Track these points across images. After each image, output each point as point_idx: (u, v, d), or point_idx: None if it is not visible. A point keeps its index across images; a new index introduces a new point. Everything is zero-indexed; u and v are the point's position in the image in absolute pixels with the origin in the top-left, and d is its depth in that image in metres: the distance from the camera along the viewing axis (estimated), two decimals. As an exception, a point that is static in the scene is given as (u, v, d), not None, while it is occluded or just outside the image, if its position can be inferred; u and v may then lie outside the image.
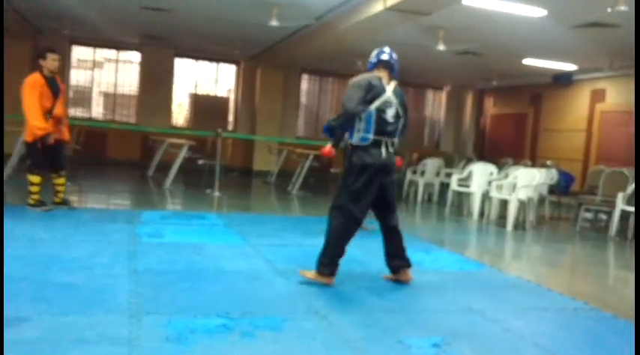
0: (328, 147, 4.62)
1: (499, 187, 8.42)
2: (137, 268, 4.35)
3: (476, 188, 8.78)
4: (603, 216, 8.82)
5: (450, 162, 11.78)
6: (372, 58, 4.47)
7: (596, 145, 12.47)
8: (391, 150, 4.34)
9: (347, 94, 4.24)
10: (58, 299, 3.47)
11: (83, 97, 14.00)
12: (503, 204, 8.46)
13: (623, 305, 4.55)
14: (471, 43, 9.76)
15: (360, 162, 4.23)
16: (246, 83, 14.68)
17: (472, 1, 7.08)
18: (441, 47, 9.10)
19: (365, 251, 5.64)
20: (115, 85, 14.06)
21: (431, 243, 6.46)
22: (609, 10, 6.51)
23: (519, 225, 8.04)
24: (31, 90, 6.15)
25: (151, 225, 6.14)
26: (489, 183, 8.58)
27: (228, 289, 4.01)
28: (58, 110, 6.33)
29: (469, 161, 11.27)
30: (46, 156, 6.36)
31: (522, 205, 8.06)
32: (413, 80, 15.60)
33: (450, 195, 9.32)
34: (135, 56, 14.06)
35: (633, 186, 7.68)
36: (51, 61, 6.27)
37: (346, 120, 4.25)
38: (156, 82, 13.82)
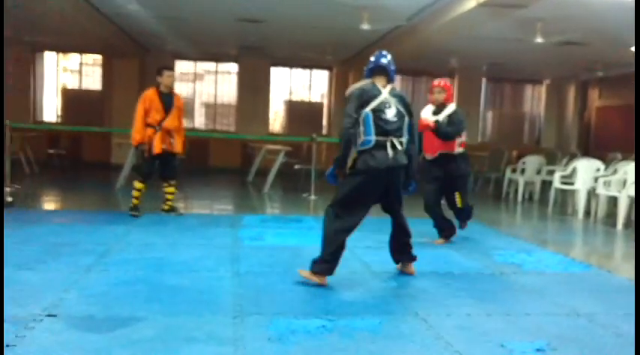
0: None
1: (607, 184, 7.97)
2: (240, 270, 4.53)
3: (581, 185, 8.36)
4: None
5: (551, 160, 11.28)
6: (369, 63, 4.39)
7: None
8: (400, 148, 4.19)
9: (345, 109, 4.20)
10: (169, 301, 3.69)
11: (186, 109, 14.69)
12: (612, 201, 8.00)
13: None
14: (571, 33, 9.31)
15: (365, 166, 4.11)
16: (338, 88, 14.82)
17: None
18: (539, 40, 8.75)
19: (462, 253, 5.56)
20: (215, 96, 14.69)
21: (532, 243, 6.23)
22: None
23: (630, 224, 7.56)
24: (140, 104, 6.65)
25: (252, 228, 6.37)
26: (596, 179, 8.14)
27: (326, 291, 4.08)
28: (167, 123, 6.70)
29: (573, 157, 10.74)
30: (153, 166, 6.78)
31: (633, 202, 7.57)
32: (509, 75, 15.10)
33: (552, 193, 8.93)
34: (233, 67, 14.64)
35: None
36: (166, 78, 6.70)
37: (347, 144, 4.15)
38: (253, 91, 14.30)
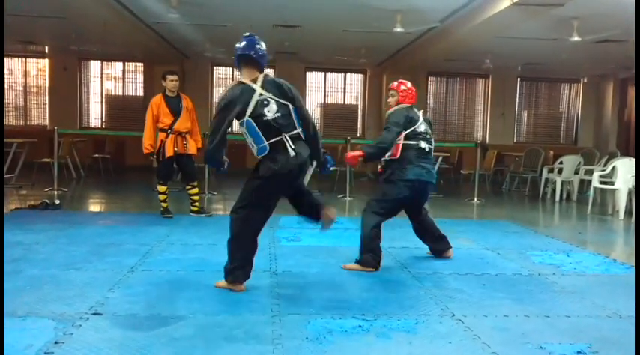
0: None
1: (648, 183, 7.80)
2: (277, 270, 4.60)
3: (621, 184, 8.19)
4: None
5: (589, 159, 11.09)
6: (235, 53, 4.03)
7: None
8: (300, 144, 3.93)
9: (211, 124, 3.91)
10: (209, 300, 3.77)
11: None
12: (655, 201, 7.82)
13: None
14: (609, 30, 9.13)
15: (269, 172, 3.86)
16: (372, 90, 14.85)
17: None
18: (576, 38, 8.61)
19: (498, 253, 5.52)
20: (252, 100, 14.88)
21: (571, 244, 6.13)
22: None
23: (673, 224, 7.39)
24: (148, 112, 6.89)
25: (289, 229, 6.44)
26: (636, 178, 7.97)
27: (363, 291, 4.11)
28: (178, 125, 6.89)
29: (612, 156, 10.53)
30: (169, 168, 7.01)
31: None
32: (544, 75, 14.87)
33: (591, 193, 8.78)
34: (269, 72, 14.76)
35: None
36: (169, 82, 6.94)
37: (213, 162, 4.04)
38: (290, 94, 14.44)
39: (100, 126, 14.64)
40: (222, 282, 4.01)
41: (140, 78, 14.59)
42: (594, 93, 15.46)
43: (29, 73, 14.47)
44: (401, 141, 4.79)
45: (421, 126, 4.90)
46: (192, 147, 7.05)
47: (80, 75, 14.46)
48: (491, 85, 15.10)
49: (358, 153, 4.89)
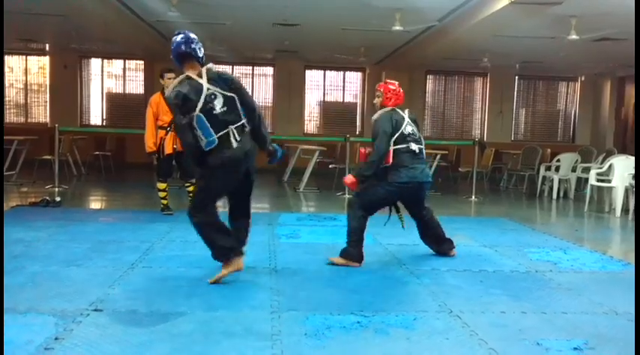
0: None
1: (645, 181, 7.83)
2: (277, 267, 4.63)
3: (618, 182, 8.23)
4: None
5: (586, 157, 11.11)
6: (172, 52, 4.13)
7: None
8: (243, 136, 4.01)
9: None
10: (209, 296, 3.81)
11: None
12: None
13: None
14: (607, 29, 9.15)
15: (218, 162, 3.95)
16: (371, 88, 14.77)
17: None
18: (574, 36, 8.63)
19: (496, 250, 5.55)
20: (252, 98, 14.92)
21: (568, 241, 6.17)
22: None
23: (670, 222, 7.42)
24: (148, 110, 6.94)
25: (288, 226, 6.48)
26: (633, 176, 8.00)
27: (361, 287, 4.14)
28: None
29: (609, 154, 10.56)
30: (169, 165, 7.00)
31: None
32: (542, 73, 14.88)
33: (588, 191, 8.81)
34: (269, 70, 14.83)
35: None
36: (167, 80, 6.92)
37: (189, 155, 4.06)
38: (288, 92, 14.48)
39: (100, 123, 14.63)
40: (224, 271, 4.06)
41: (140, 76, 14.58)
42: (592, 91, 15.49)
43: (30, 70, 14.47)
44: (391, 148, 4.76)
45: (407, 128, 4.86)
46: None
47: (81, 73, 14.44)
48: (490, 83, 15.12)
49: (352, 179, 4.93)
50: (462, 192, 10.65)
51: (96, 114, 14.72)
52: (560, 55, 11.74)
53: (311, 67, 14.76)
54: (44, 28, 11.36)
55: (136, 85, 14.67)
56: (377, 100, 5.00)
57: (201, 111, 3.89)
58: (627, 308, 3.80)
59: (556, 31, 9.05)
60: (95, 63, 14.63)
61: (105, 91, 14.72)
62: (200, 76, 3.98)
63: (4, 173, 9.07)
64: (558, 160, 10.25)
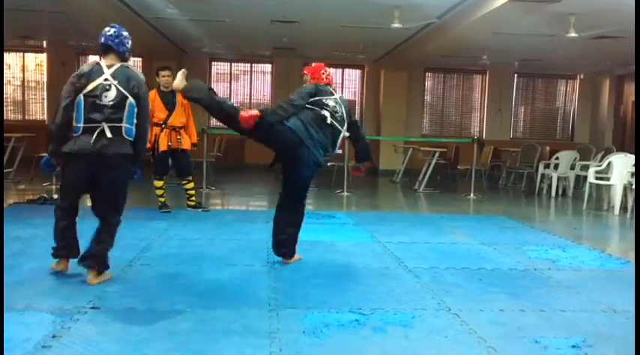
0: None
1: (644, 179, 7.83)
2: (275, 265, 4.62)
3: (616, 180, 8.23)
4: None
5: (585, 155, 11.13)
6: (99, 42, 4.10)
7: None
8: (111, 136, 3.83)
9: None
10: (207, 294, 3.80)
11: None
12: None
13: None
14: (606, 26, 9.15)
15: (67, 149, 3.87)
16: (370, 85, 14.86)
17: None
18: (573, 34, 8.62)
19: (494, 248, 5.55)
20: (250, 96, 14.90)
21: (567, 239, 6.17)
22: None
23: (669, 220, 7.43)
24: None
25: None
26: (632, 174, 8.01)
27: (359, 285, 4.14)
28: (172, 120, 6.94)
29: (608, 152, 10.57)
30: (164, 163, 7.00)
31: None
32: (541, 71, 14.90)
33: (587, 189, 8.82)
34: (267, 67, 14.83)
35: None
36: (161, 78, 7.01)
37: (58, 130, 3.92)
38: (287, 90, 14.35)
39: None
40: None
41: (138, 73, 14.58)
42: (591, 89, 15.50)
43: (27, 67, 14.43)
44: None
45: (329, 100, 4.61)
46: (186, 142, 7.07)
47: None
48: (488, 80, 15.12)
49: (255, 113, 4.35)
50: (461, 189, 10.65)
51: (94, 112, 14.71)
52: (559, 52, 11.74)
53: (310, 64, 14.72)
54: (42, 24, 11.32)
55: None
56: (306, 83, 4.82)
57: (85, 95, 3.87)
58: (626, 306, 3.80)
59: (555, 29, 9.05)
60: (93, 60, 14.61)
61: (103, 89, 14.69)
62: (110, 67, 3.97)
63: (3, 170, 9.04)
64: (557, 158, 10.25)
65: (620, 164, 8.31)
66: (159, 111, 6.90)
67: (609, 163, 8.51)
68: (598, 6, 7.84)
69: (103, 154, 3.83)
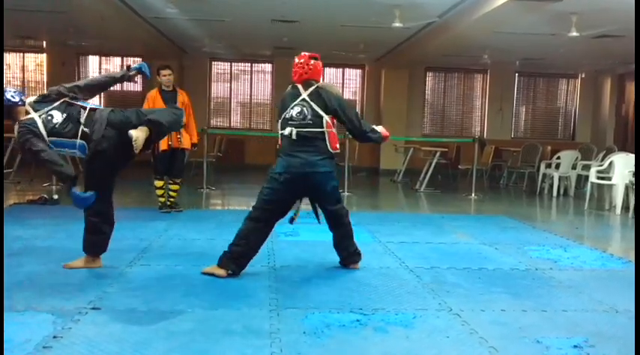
0: None
1: (646, 178, 7.82)
2: (275, 265, 4.62)
3: (618, 179, 8.21)
4: None
5: (587, 154, 11.11)
6: None
7: None
8: None
9: None
10: (208, 294, 3.79)
11: (223, 108, 14.99)
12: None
13: None
14: (608, 25, 9.13)
15: None
16: (371, 85, 14.85)
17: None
18: (574, 33, 8.61)
19: (496, 248, 5.54)
20: (251, 95, 14.90)
21: (569, 239, 6.16)
22: None
23: (671, 219, 7.41)
24: (145, 105, 6.97)
25: (287, 224, 6.42)
26: (634, 174, 7.99)
27: (360, 285, 4.13)
28: None
29: (609, 151, 10.56)
30: (164, 162, 6.98)
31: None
32: (542, 70, 14.86)
33: (588, 188, 8.80)
34: (267, 67, 14.82)
35: None
36: (162, 77, 7.02)
37: None
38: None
39: (98, 121, 14.61)
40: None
41: (139, 73, 14.57)
42: (592, 88, 15.47)
43: (27, 67, 14.42)
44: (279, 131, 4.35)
45: (293, 110, 4.32)
46: (186, 141, 7.05)
47: (78, 70, 14.39)
48: (490, 80, 15.10)
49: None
50: (462, 189, 10.64)
51: (94, 112, 14.71)
52: (560, 51, 11.72)
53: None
54: (41, 24, 11.31)
55: (134, 83, 14.62)
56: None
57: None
58: (627, 306, 3.78)
59: (556, 28, 9.03)
60: (93, 60, 14.58)
61: (102, 89, 14.68)
62: None
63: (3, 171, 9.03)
64: (558, 158, 10.24)
65: (622, 163, 8.30)
66: None
67: (611, 163, 8.49)
68: (599, 5, 7.83)
69: None
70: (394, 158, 13.17)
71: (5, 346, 2.71)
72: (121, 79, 4.45)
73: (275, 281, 4.14)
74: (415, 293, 3.98)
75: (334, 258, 4.86)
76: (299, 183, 4.29)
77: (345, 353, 2.96)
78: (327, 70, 14.99)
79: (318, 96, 4.38)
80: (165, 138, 6.85)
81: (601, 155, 10.76)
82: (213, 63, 14.70)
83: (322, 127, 4.30)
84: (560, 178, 10.07)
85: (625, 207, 8.15)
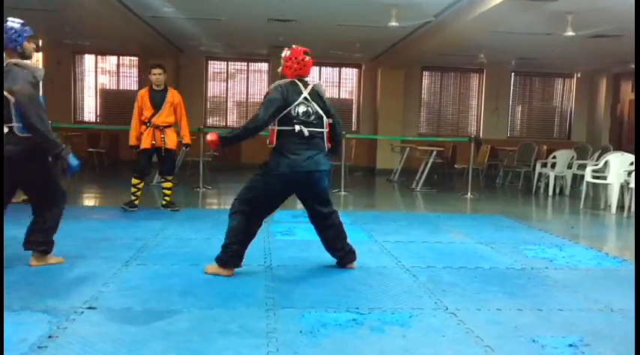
0: None
1: (640, 178, 7.84)
2: (272, 264, 4.62)
3: (613, 179, 8.24)
4: None
5: (582, 154, 11.14)
6: None
7: None
8: (10, 136, 3.96)
9: None
10: (204, 294, 3.78)
11: (219, 107, 14.98)
12: (646, 195, 7.87)
13: None
14: (604, 25, 9.16)
15: None
16: (367, 84, 14.85)
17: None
18: (570, 33, 8.63)
19: (492, 247, 5.55)
20: (247, 94, 14.89)
21: (564, 238, 6.17)
22: None
23: (666, 219, 7.44)
24: (135, 104, 7.01)
25: (283, 223, 6.45)
26: (629, 173, 8.02)
27: (357, 285, 4.13)
28: (157, 119, 6.90)
29: (605, 151, 10.59)
30: (144, 161, 6.96)
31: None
32: (538, 70, 14.92)
33: (584, 187, 8.83)
34: (264, 66, 14.81)
35: None
36: (152, 75, 7.00)
37: None
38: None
39: (94, 120, 14.57)
40: None
41: (135, 72, 14.53)
42: (588, 88, 15.52)
43: (23, 66, 14.37)
44: (275, 127, 4.19)
45: (299, 108, 4.19)
46: (171, 141, 7.01)
47: (74, 69, 14.36)
48: (485, 79, 15.13)
49: (214, 138, 4.21)
50: (458, 188, 10.66)
51: (90, 111, 14.67)
52: (556, 51, 11.75)
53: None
54: (37, 23, 11.12)
55: (130, 82, 14.61)
56: (279, 69, 4.44)
57: None
58: (623, 305, 3.80)
59: (552, 28, 9.05)
60: (89, 59, 14.56)
61: (99, 88, 14.65)
62: (7, 65, 4.05)
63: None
64: (554, 157, 10.26)
65: (617, 163, 8.32)
66: (146, 109, 6.90)
67: (606, 162, 8.52)
68: (595, 4, 7.85)
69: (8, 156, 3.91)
70: (390, 157, 13.19)
71: (0, 346, 2.71)
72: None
73: (271, 281, 4.13)
74: (411, 293, 3.99)
75: (330, 257, 4.86)
76: (299, 182, 4.26)
77: (342, 352, 2.95)
78: (324, 69, 15.01)
79: (317, 96, 4.35)
80: (149, 136, 6.84)
81: (596, 154, 10.80)
82: (209, 62, 14.69)
83: (323, 127, 4.33)
84: (555, 177, 10.09)
85: (620, 207, 8.17)
